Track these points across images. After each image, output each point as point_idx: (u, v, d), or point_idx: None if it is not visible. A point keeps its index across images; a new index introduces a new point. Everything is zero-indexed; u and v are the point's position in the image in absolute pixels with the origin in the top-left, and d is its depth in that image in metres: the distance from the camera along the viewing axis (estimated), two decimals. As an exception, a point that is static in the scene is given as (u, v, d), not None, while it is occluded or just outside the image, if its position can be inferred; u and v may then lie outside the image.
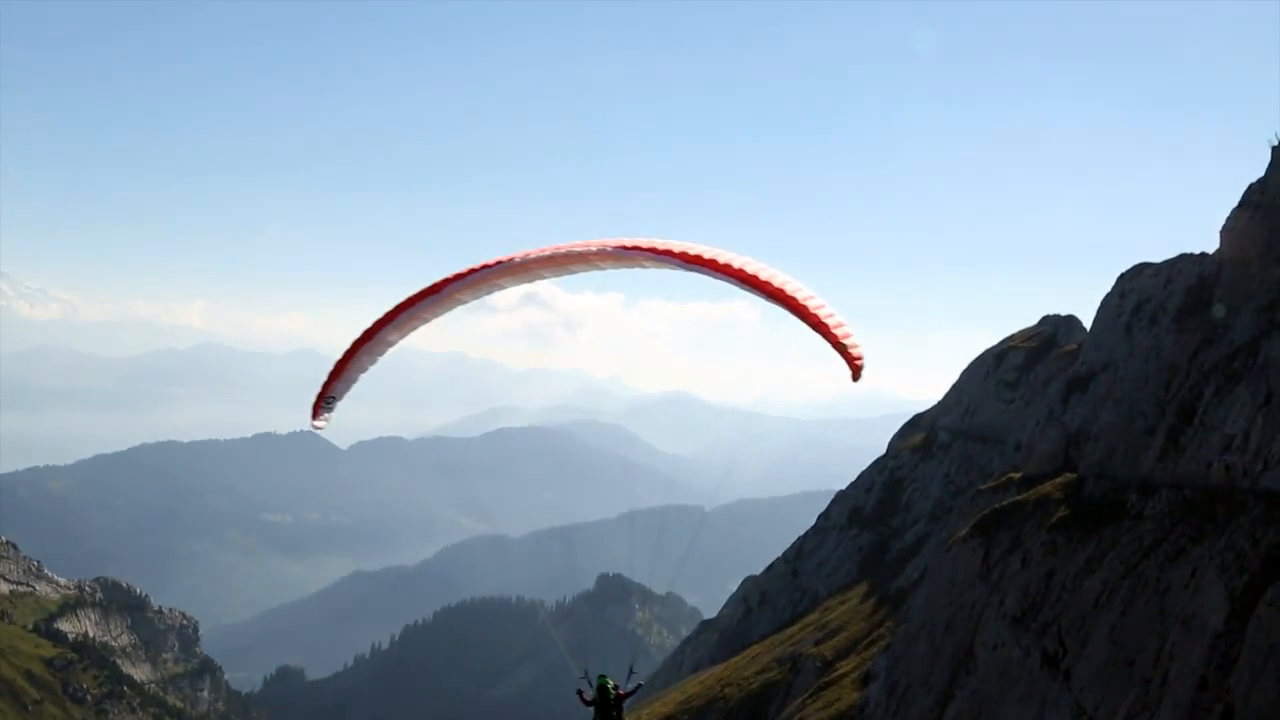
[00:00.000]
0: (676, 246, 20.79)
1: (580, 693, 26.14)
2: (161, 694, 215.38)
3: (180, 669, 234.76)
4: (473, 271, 23.04)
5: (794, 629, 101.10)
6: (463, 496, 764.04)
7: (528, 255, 22.17)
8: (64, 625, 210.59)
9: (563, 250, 21.52)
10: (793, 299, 20.76)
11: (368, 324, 24.26)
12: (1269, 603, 43.02)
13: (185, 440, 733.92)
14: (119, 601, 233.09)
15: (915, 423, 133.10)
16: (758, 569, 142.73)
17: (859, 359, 20.90)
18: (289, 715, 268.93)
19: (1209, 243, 70.98)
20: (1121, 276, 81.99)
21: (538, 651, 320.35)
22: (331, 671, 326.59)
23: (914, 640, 65.35)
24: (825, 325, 20.96)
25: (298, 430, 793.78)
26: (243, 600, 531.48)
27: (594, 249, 21.23)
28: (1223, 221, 70.56)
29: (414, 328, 23.37)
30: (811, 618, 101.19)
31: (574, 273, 21.98)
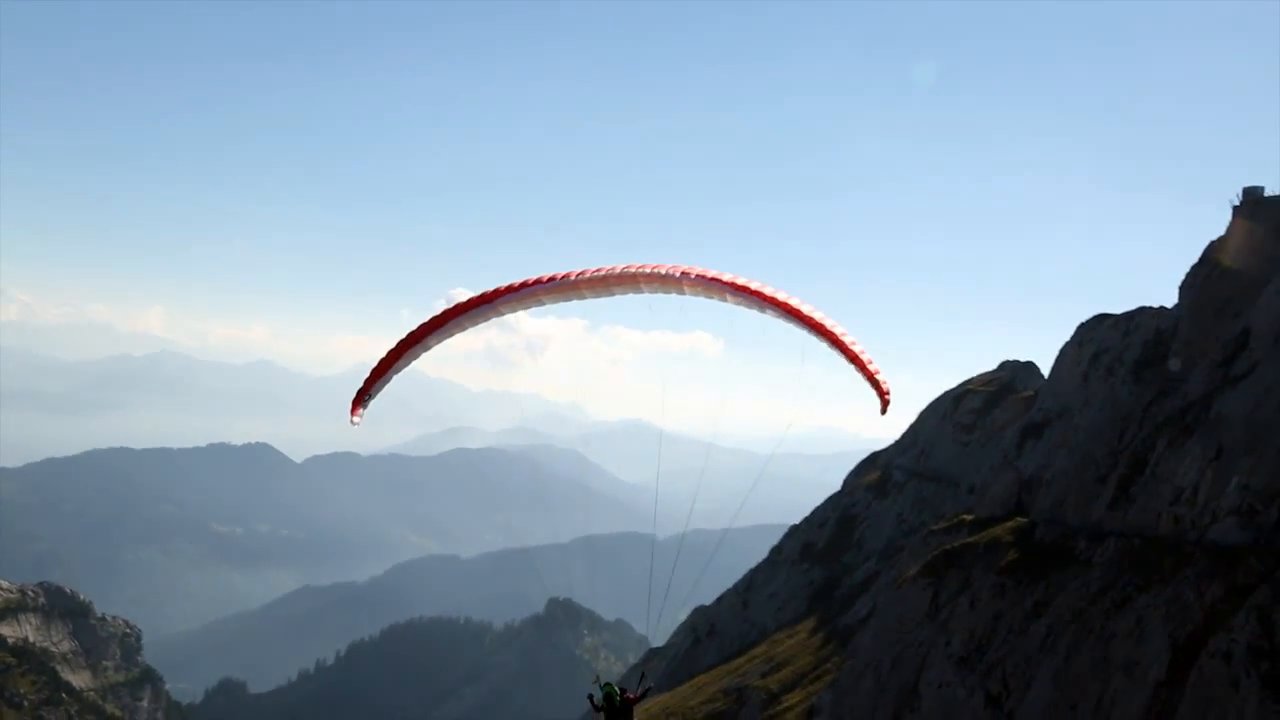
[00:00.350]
0: (725, 276, 21.82)
1: (591, 698, 26.58)
2: (100, 702, 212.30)
3: (121, 677, 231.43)
4: (524, 285, 23.66)
5: (741, 660, 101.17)
6: (416, 515, 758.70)
7: (578, 274, 22.79)
8: (4, 629, 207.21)
9: (615, 271, 22.18)
10: (831, 333, 22.30)
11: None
12: (1211, 654, 43.60)
13: (137, 447, 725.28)
14: (61, 607, 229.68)
15: (872, 461, 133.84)
16: (708, 599, 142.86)
17: (888, 393, 22.73)
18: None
19: (1168, 297, 72.15)
20: (1081, 326, 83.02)
21: (483, 673, 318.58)
22: (275, 685, 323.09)
23: (860, 676, 65.62)
24: (861, 361, 22.72)
25: (252, 441, 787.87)
26: (188, 610, 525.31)
27: (646, 271, 21.92)
28: (1182, 277, 71.80)
29: (452, 335, 23.91)
30: (759, 650, 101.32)
31: (614, 294, 22.65)
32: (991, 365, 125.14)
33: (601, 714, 26.07)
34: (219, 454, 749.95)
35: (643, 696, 26.34)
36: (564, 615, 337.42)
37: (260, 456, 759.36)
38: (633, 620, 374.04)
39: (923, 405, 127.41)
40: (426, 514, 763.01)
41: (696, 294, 22.53)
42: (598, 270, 22.62)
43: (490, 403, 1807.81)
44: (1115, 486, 59.74)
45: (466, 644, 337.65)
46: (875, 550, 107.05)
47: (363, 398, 24.11)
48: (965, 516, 76.64)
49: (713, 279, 21.84)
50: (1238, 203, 68.46)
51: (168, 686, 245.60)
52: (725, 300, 22.42)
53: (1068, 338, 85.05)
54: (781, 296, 22.06)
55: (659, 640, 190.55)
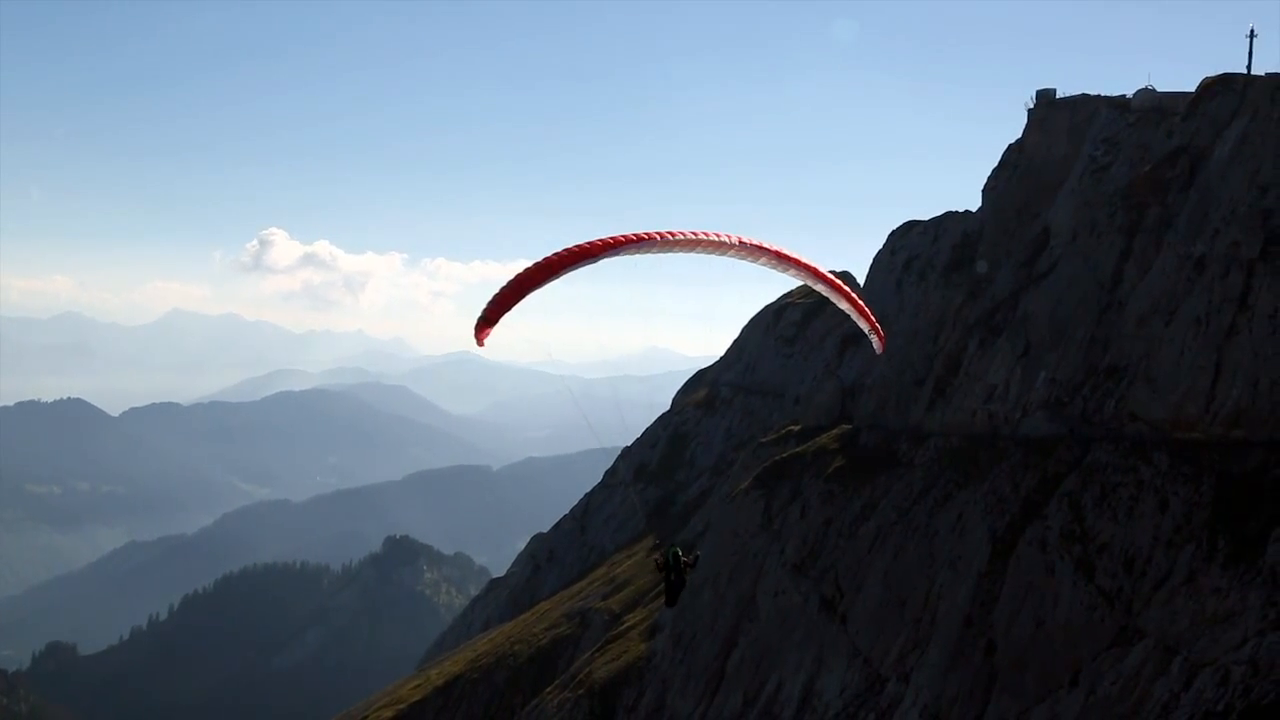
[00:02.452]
0: (768, 245, 25.26)
1: (657, 560, 28.65)
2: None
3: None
4: (638, 238, 25.23)
5: (582, 584, 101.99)
6: (243, 462, 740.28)
7: (682, 235, 24.90)
8: None
9: (703, 236, 24.70)
10: (842, 287, 26.43)
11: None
12: (1028, 542, 45.63)
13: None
14: None
15: (698, 379, 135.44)
16: (545, 527, 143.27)
17: (884, 338, 27.23)
18: (60, 692, 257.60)
19: (973, 201, 74.48)
20: (892, 234, 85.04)
21: (324, 616, 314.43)
22: (106, 645, 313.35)
23: (698, 591, 66.81)
24: (865, 310, 27.00)
25: (64, 398, 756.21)
26: (8, 576, 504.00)
27: (715, 239, 24.66)
28: (984, 181, 74.04)
29: (568, 272, 24.88)
30: (599, 572, 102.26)
31: (705, 254, 25.04)
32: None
33: (664, 574, 28.46)
34: (29, 412, 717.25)
35: (694, 563, 28.95)
36: (402, 552, 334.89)
37: (74, 412, 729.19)
38: (472, 552, 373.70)
39: (745, 321, 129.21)
40: (254, 460, 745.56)
41: (745, 258, 25.48)
42: (689, 233, 25.15)
43: (313, 343, 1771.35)
44: (932, 388, 61.70)
45: (304, 588, 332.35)
46: (707, 466, 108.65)
47: (494, 321, 24.55)
48: (792, 427, 78.26)
49: (764, 247, 25.23)
50: (1032, 106, 70.62)
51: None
52: (763, 264, 25.73)
53: (880, 246, 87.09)
54: (804, 259, 25.68)
55: (499, 570, 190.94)
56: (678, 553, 28.75)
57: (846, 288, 26.76)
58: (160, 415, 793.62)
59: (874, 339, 27.35)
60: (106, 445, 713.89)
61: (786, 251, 25.80)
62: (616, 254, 24.75)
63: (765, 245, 25.50)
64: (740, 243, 25.26)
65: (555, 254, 24.87)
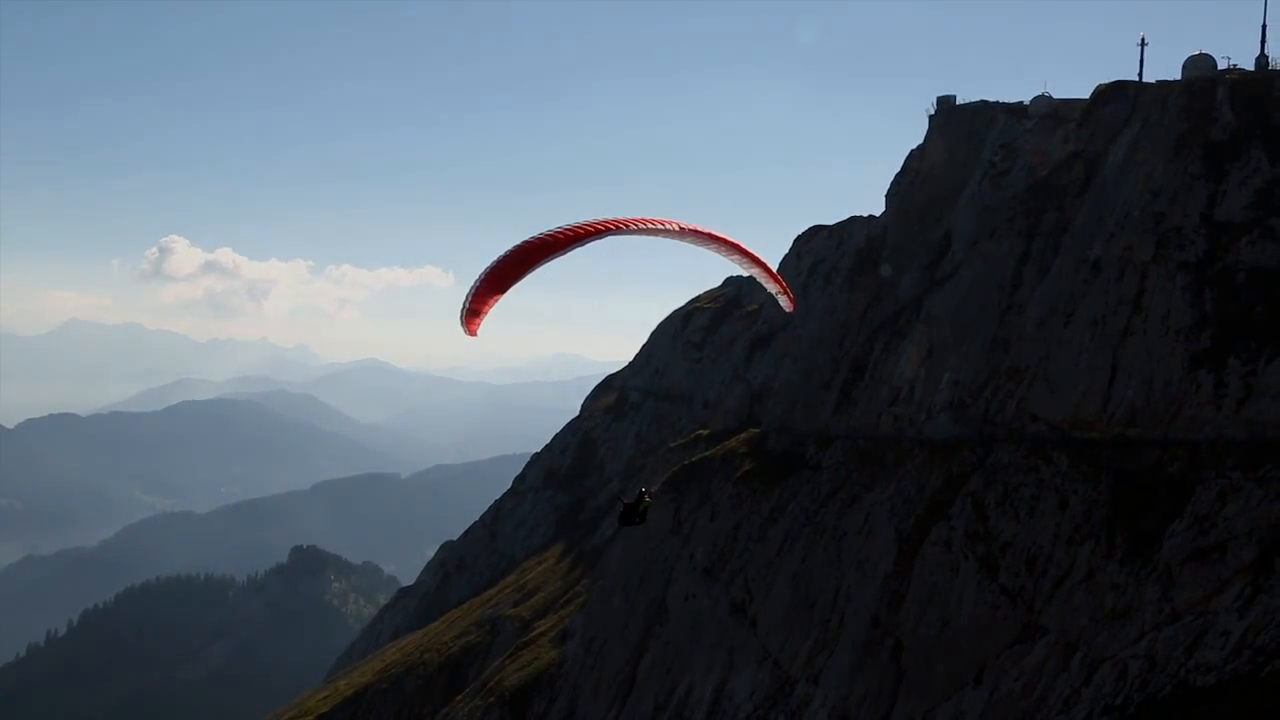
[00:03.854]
0: (697, 227, 26.24)
1: (622, 499, 29.55)
2: None
3: None
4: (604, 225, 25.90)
5: (492, 591, 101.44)
6: (144, 473, 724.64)
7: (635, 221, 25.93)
8: None
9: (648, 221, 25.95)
10: (750, 252, 26.99)
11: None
12: (933, 543, 46.27)
13: None
14: None
15: (607, 384, 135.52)
16: (455, 534, 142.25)
17: (794, 300, 27.27)
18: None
19: (877, 206, 75.41)
20: (798, 239, 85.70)
21: (229, 629, 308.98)
22: (3, 663, 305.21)
23: (609, 596, 66.81)
24: (774, 273, 27.45)
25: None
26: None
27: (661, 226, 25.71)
28: (887, 186, 75.06)
29: (561, 254, 25.56)
30: (509, 579, 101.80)
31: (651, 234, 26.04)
32: (717, 282, 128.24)
33: (627, 510, 29.49)
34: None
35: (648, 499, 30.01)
36: (309, 562, 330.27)
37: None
38: (380, 561, 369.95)
39: (653, 326, 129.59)
40: (155, 472, 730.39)
41: (694, 243, 26.47)
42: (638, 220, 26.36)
43: (215, 352, 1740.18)
44: (839, 391, 62.35)
45: (209, 601, 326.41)
46: (617, 471, 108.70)
47: (480, 314, 24.95)
48: (701, 432, 78.60)
49: (700, 230, 26.08)
50: (933, 112, 71.76)
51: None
52: (694, 243, 26.53)
53: (786, 250, 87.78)
54: (712, 230, 26.42)
55: (409, 579, 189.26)
56: (642, 493, 30.37)
57: (756, 254, 28.15)
58: (58, 427, 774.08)
59: (783, 299, 28.08)
60: (2, 458, 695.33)
61: (716, 232, 27.15)
62: (584, 243, 25.56)
63: (700, 228, 26.64)
64: (680, 227, 26.57)
65: (525, 243, 25.40)
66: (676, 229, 26.33)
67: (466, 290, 24.83)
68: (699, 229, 26.59)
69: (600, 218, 26.08)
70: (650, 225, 25.80)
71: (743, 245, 27.39)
